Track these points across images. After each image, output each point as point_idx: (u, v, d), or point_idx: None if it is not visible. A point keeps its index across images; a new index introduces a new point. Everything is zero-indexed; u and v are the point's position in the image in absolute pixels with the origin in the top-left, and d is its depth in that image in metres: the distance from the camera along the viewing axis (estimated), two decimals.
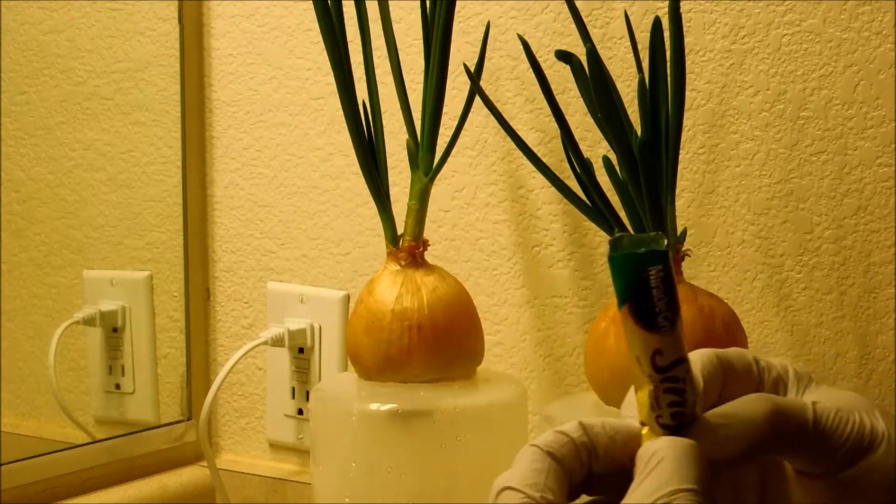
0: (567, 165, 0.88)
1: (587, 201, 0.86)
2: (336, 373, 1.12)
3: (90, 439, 1.14)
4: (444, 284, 0.92)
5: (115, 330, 1.18)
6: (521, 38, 0.88)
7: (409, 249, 0.92)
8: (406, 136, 0.93)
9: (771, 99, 0.94)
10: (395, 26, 0.96)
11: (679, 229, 0.85)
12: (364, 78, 0.94)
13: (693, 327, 0.80)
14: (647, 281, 0.48)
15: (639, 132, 0.83)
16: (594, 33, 0.99)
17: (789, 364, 0.54)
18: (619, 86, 0.89)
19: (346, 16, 0.93)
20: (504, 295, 1.06)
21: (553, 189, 0.91)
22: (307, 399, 1.14)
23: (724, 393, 0.52)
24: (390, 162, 1.00)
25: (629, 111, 0.84)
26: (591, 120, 0.85)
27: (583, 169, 0.85)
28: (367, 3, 0.95)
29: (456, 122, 0.95)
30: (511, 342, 1.06)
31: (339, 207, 1.14)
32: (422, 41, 0.93)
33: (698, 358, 0.51)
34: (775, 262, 0.95)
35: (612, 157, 0.83)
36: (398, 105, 0.94)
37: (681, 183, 0.97)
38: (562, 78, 0.98)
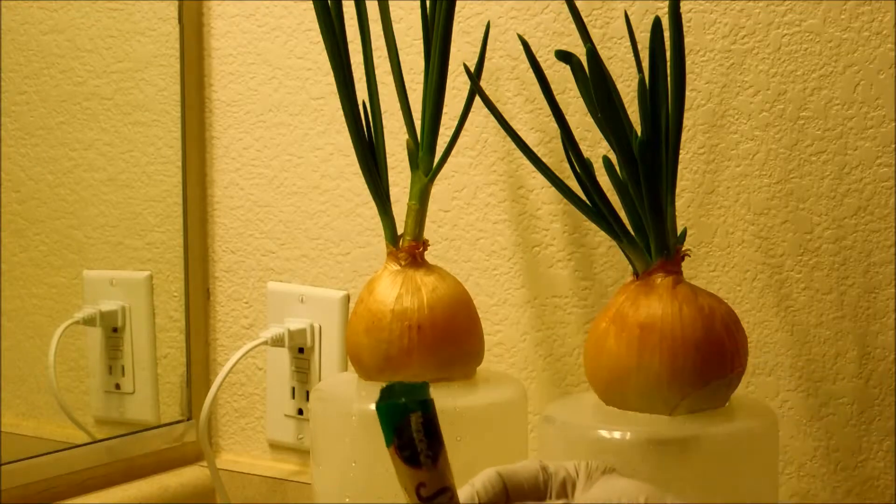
0: (567, 165, 0.88)
1: (587, 201, 0.86)
2: (336, 373, 1.12)
3: (90, 439, 1.14)
4: (444, 284, 0.92)
5: (115, 330, 1.18)
6: (521, 38, 0.88)
7: (409, 249, 0.92)
8: (406, 136, 0.93)
9: (771, 99, 0.94)
10: (395, 26, 0.96)
11: (679, 229, 0.85)
12: (364, 78, 0.94)
13: (693, 327, 0.80)
14: (408, 426, 0.55)
15: (639, 132, 0.83)
16: (594, 33, 0.99)
17: (584, 462, 0.60)
18: (619, 86, 0.89)
19: (346, 16, 0.93)
20: (504, 295, 1.06)
21: (553, 189, 0.91)
22: (307, 399, 1.14)
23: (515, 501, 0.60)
24: (390, 162, 1.00)
25: (629, 111, 0.84)
26: (591, 120, 0.85)
27: (583, 169, 0.85)
28: (367, 3, 0.95)
29: (456, 122, 0.95)
30: (511, 342, 1.06)
31: (339, 207, 1.14)
32: (422, 41, 0.93)
33: (480, 478, 0.59)
34: (775, 262, 0.95)
35: (612, 157, 0.83)
36: (398, 105, 0.94)
37: (681, 183, 0.97)
38: (562, 78, 0.98)
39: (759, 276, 0.96)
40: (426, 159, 0.93)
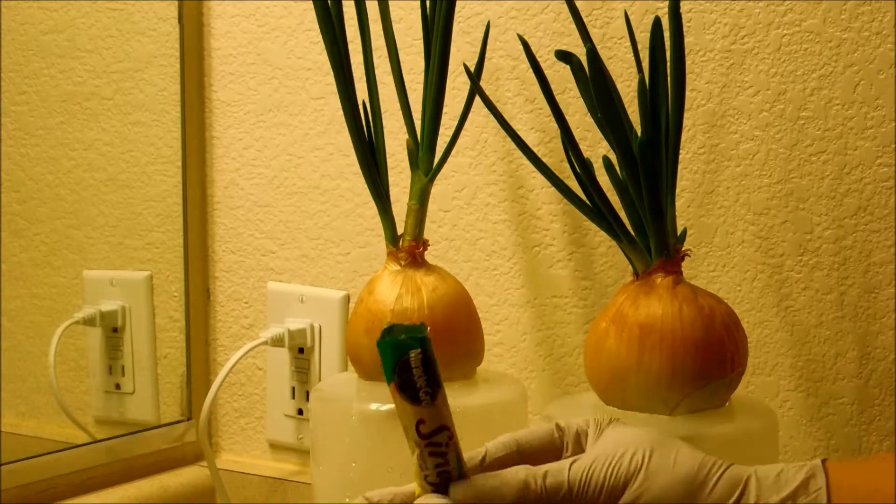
0: (567, 165, 0.88)
1: (587, 201, 0.86)
2: (336, 373, 1.12)
3: (90, 439, 1.14)
4: (444, 284, 0.92)
5: (115, 330, 1.18)
6: (521, 38, 0.88)
7: (409, 249, 0.92)
8: (406, 136, 0.93)
9: (771, 99, 0.94)
10: (395, 26, 0.96)
11: (679, 229, 0.85)
12: (364, 78, 0.94)
13: (693, 327, 0.80)
14: (407, 362, 0.58)
15: (639, 132, 0.83)
16: (594, 33, 0.99)
17: (592, 419, 0.63)
18: (619, 86, 0.89)
19: (346, 16, 0.93)
20: (504, 295, 1.06)
21: (553, 189, 0.91)
22: (307, 399, 1.14)
23: (529, 463, 0.62)
24: (390, 162, 1.00)
25: (629, 111, 0.84)
26: (591, 120, 0.85)
27: (583, 169, 0.85)
28: (367, 3, 0.95)
29: (456, 122, 0.95)
30: (511, 342, 1.06)
31: (339, 207, 1.14)
32: (422, 41, 0.93)
33: (493, 441, 0.62)
34: (775, 262, 0.95)
35: (612, 157, 0.83)
36: (398, 105, 0.94)
37: (681, 183, 0.97)
38: (562, 78, 0.98)
39: (759, 276, 0.96)
40: (426, 159, 0.93)
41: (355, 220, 1.13)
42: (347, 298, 1.13)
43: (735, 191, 0.96)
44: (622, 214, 0.85)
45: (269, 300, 1.17)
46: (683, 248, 0.85)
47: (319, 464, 0.93)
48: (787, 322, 0.95)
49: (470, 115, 0.95)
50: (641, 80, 0.82)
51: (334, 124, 1.13)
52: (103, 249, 1.18)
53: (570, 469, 0.60)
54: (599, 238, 1.01)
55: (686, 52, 0.87)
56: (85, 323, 1.17)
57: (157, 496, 1.13)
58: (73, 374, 1.18)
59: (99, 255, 1.18)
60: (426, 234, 0.94)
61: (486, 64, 0.98)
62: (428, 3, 0.92)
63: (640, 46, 0.87)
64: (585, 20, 0.94)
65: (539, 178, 1.02)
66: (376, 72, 0.94)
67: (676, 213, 0.86)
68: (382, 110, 0.95)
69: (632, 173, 0.82)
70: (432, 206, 0.99)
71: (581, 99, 0.85)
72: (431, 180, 0.93)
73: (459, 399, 0.90)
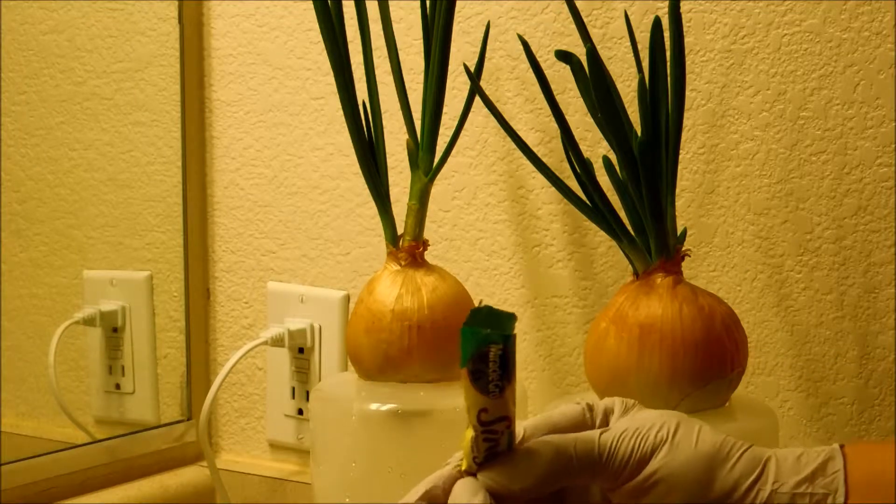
0: (567, 165, 0.88)
1: (587, 201, 0.86)
2: (336, 373, 1.12)
3: (90, 439, 1.14)
4: (444, 284, 0.92)
5: (115, 330, 1.18)
6: (521, 38, 0.88)
7: (409, 249, 0.92)
8: (406, 136, 0.93)
9: (771, 99, 0.94)
10: (395, 26, 0.96)
11: (679, 229, 0.85)
12: (364, 78, 0.94)
13: (693, 327, 0.80)
14: (486, 355, 0.58)
15: (639, 132, 0.83)
16: (594, 33, 0.99)
17: (618, 398, 0.65)
18: (619, 86, 0.89)
19: (346, 16, 0.93)
20: (504, 295, 1.06)
21: (553, 189, 0.91)
22: (307, 399, 1.14)
23: None
24: (390, 162, 1.00)
25: (629, 111, 0.84)
26: (591, 120, 0.85)
27: (583, 169, 0.85)
28: (367, 3, 0.95)
29: (456, 122, 0.95)
30: None
31: (339, 207, 1.14)
32: (422, 41, 0.93)
33: (529, 422, 0.63)
34: (775, 262, 0.95)
35: (612, 157, 0.83)
36: (398, 105, 0.94)
37: (681, 183, 0.97)
38: (562, 78, 0.98)
39: (759, 276, 0.96)
40: (426, 159, 0.93)
41: (355, 220, 1.13)
42: (347, 298, 1.13)
43: (735, 191, 0.96)
44: (622, 214, 0.85)
45: (269, 300, 1.17)
46: (683, 248, 0.85)
47: (319, 464, 0.93)
48: (787, 322, 0.95)
49: (470, 115, 0.95)
50: (641, 80, 0.82)
51: (334, 124, 1.13)
52: (103, 249, 1.18)
53: (599, 438, 0.62)
54: (599, 238, 1.01)
55: (686, 52, 0.87)
56: (85, 323, 1.17)
57: (157, 496, 1.13)
58: (73, 374, 1.18)
59: (99, 255, 1.18)
60: (426, 234, 0.94)
61: (486, 64, 0.98)
62: (428, 3, 0.92)
63: (640, 46, 0.87)
64: (585, 20, 0.94)
65: (539, 178, 1.02)
66: (376, 72, 0.94)
67: (676, 213, 0.86)
68: (382, 110, 0.95)
69: (632, 173, 0.82)
70: (432, 206, 0.99)
71: (581, 99, 0.85)
72: (431, 180, 0.93)
73: (459, 399, 0.90)
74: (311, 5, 0.93)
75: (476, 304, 0.95)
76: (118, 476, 1.13)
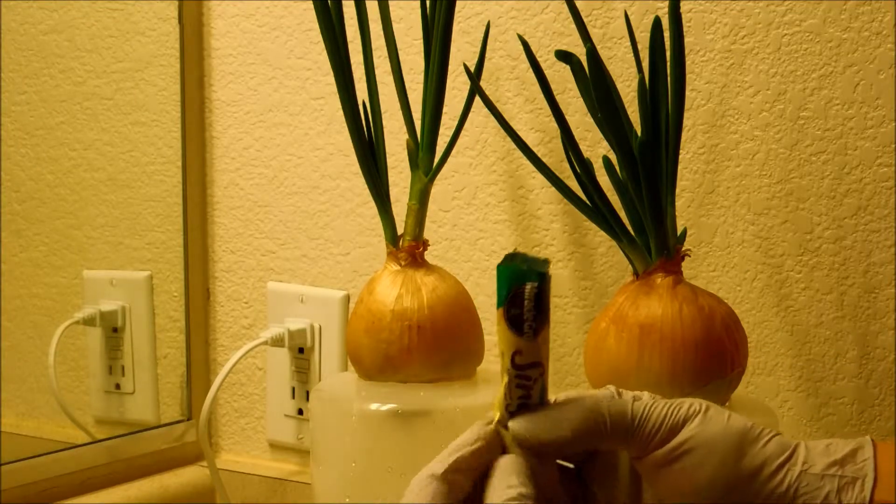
0: (567, 165, 0.88)
1: (587, 201, 0.86)
2: (336, 373, 1.12)
3: (90, 439, 1.14)
4: (444, 284, 0.92)
5: (115, 330, 1.18)
6: (521, 38, 0.88)
7: (409, 249, 0.92)
8: (406, 136, 0.93)
9: (771, 99, 0.94)
10: (395, 26, 0.96)
11: (679, 229, 0.85)
12: (364, 78, 0.94)
13: (693, 327, 0.80)
14: (522, 292, 0.57)
15: (639, 132, 0.83)
16: (594, 33, 0.99)
17: (646, 392, 0.64)
18: (619, 86, 0.89)
19: (346, 16, 0.93)
20: None
21: (553, 189, 0.91)
22: (307, 399, 1.14)
23: None
24: (390, 162, 1.00)
25: (629, 111, 0.84)
26: (591, 120, 0.85)
27: (583, 169, 0.85)
28: (367, 3, 0.95)
29: (456, 122, 0.95)
30: None
31: (339, 207, 1.14)
32: (422, 41, 0.93)
33: (560, 395, 0.62)
34: (775, 262, 0.95)
35: (612, 157, 0.83)
36: (398, 105, 0.94)
37: (681, 183, 0.97)
38: (562, 78, 0.98)
39: (759, 276, 0.96)
40: (426, 159, 0.93)
41: (355, 220, 1.13)
42: (347, 298, 1.13)
43: (735, 191, 0.96)
44: (622, 214, 0.85)
45: (269, 300, 1.17)
46: (683, 248, 0.85)
47: (319, 464, 0.93)
48: (787, 322, 0.95)
49: (470, 115, 0.95)
50: (641, 80, 0.82)
51: (334, 124, 1.13)
52: (103, 249, 1.18)
53: (633, 403, 0.61)
54: (599, 238, 1.01)
55: (686, 52, 0.87)
56: (85, 323, 1.17)
57: (157, 496, 1.13)
58: (73, 374, 1.18)
59: (99, 255, 1.18)
60: (426, 234, 0.94)
61: (486, 64, 0.98)
62: (428, 3, 0.92)
63: (640, 46, 0.87)
64: (585, 20, 0.94)
65: (539, 178, 1.02)
66: (376, 72, 0.94)
67: (676, 213, 0.86)
68: (382, 110, 0.95)
69: (632, 173, 0.82)
70: (432, 206, 0.99)
71: (581, 99, 0.85)
72: (431, 180, 0.93)
73: (460, 399, 0.90)
74: (311, 5, 0.93)
75: (476, 303, 0.95)
76: (118, 476, 1.13)
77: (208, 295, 1.21)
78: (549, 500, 0.60)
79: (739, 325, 0.83)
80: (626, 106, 0.84)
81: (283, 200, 1.17)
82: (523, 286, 0.57)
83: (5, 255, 1.12)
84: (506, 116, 0.91)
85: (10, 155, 1.12)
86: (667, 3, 0.84)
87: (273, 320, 1.15)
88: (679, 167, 0.88)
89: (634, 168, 0.81)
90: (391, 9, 0.96)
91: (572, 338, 1.03)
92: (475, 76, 0.93)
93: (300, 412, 1.15)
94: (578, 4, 0.91)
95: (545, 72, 0.87)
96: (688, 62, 0.93)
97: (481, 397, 0.92)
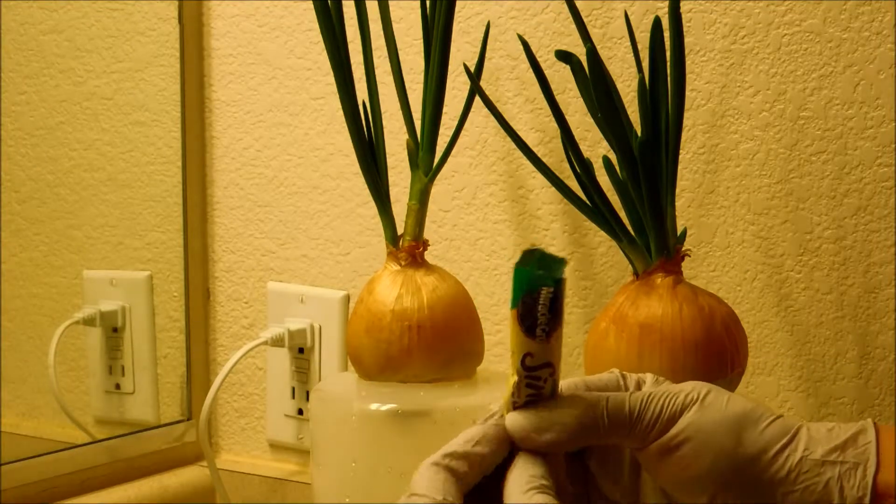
0: (567, 165, 0.88)
1: (587, 201, 0.86)
2: (336, 373, 1.12)
3: (90, 439, 1.14)
4: (444, 284, 0.92)
5: (115, 330, 1.18)
6: (521, 38, 0.88)
7: (409, 249, 0.92)
8: (406, 136, 0.93)
9: (771, 99, 0.94)
10: (395, 26, 0.96)
11: (679, 229, 0.85)
12: (364, 78, 0.94)
13: (693, 327, 0.80)
14: (536, 297, 0.57)
15: (639, 132, 0.83)
16: (594, 33, 0.99)
17: (650, 373, 0.65)
18: (619, 86, 0.89)
19: (346, 16, 0.93)
20: (504, 295, 1.06)
21: (553, 189, 0.91)
22: (307, 399, 1.14)
23: None
24: (390, 162, 1.00)
25: (629, 111, 0.84)
26: (591, 120, 0.85)
27: (583, 169, 0.85)
28: (367, 3, 0.95)
29: (456, 122, 0.95)
30: None
31: (339, 207, 1.14)
32: (422, 41, 0.93)
33: (564, 381, 0.62)
34: (775, 262, 0.95)
35: (612, 157, 0.83)
36: (398, 105, 0.94)
37: (681, 183, 0.97)
38: (562, 78, 0.98)
39: (759, 276, 0.96)
40: (426, 159, 0.93)
41: (355, 220, 1.13)
42: (347, 298, 1.13)
43: (735, 191, 0.96)
44: (622, 214, 0.85)
45: (269, 300, 1.17)
46: (683, 248, 0.85)
47: (319, 464, 0.93)
48: (787, 322, 0.95)
49: (470, 115, 0.95)
50: (641, 80, 0.82)
51: (334, 124, 1.13)
52: (103, 249, 1.18)
53: (630, 396, 0.61)
54: (599, 238, 1.01)
55: (686, 52, 0.87)
56: (85, 323, 1.17)
57: (157, 496, 1.13)
58: (73, 374, 1.18)
59: (99, 255, 1.18)
60: (426, 234, 0.94)
61: (486, 64, 0.98)
62: (428, 3, 0.92)
63: (640, 46, 0.87)
64: (585, 20, 0.94)
65: (539, 178, 1.02)
66: (376, 72, 0.94)
67: (676, 213, 0.86)
68: (382, 110, 0.95)
69: (632, 173, 0.82)
70: (432, 206, 0.98)
71: (581, 99, 0.85)
72: (431, 180, 0.93)
73: (459, 399, 0.90)
74: (311, 5, 0.93)
75: (476, 303, 0.95)
76: (118, 476, 1.13)
77: (208, 295, 1.21)
78: (558, 492, 0.60)
79: (739, 325, 0.83)
80: (626, 106, 0.84)
81: (283, 200, 1.17)
82: (538, 290, 0.57)
83: (5, 255, 1.12)
84: (506, 116, 0.91)
85: (10, 155, 1.12)
86: (667, 3, 0.84)
87: (273, 320, 1.15)
88: (679, 167, 0.88)
89: (634, 168, 0.81)
90: (391, 9, 0.96)
91: (572, 338, 1.03)
92: (475, 76, 0.93)
93: (300, 412, 1.15)
94: (578, 4, 0.91)
95: (545, 72, 0.87)
96: (688, 62, 0.93)
97: (481, 397, 0.92)
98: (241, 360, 1.11)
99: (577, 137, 0.90)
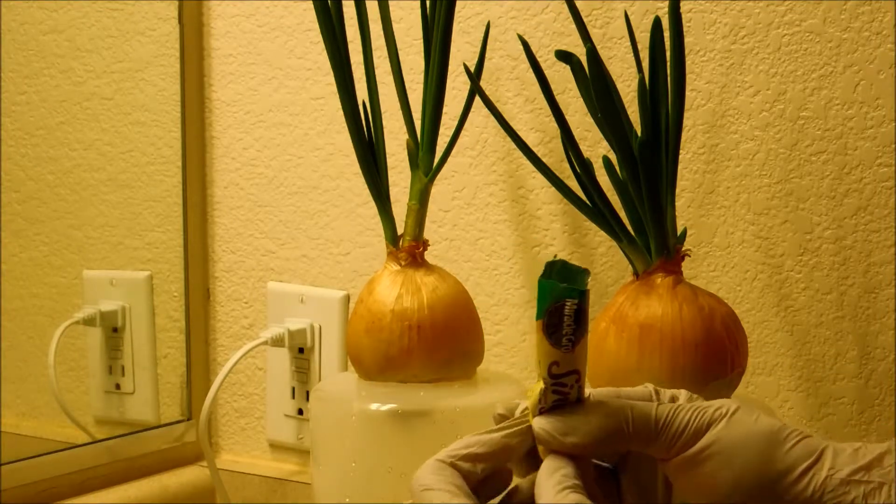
0: (567, 165, 0.88)
1: (587, 201, 0.86)
2: (336, 373, 1.12)
3: (90, 439, 1.14)
4: (444, 284, 0.92)
5: (115, 330, 1.18)
6: (521, 38, 0.88)
7: (409, 249, 0.92)
8: (406, 136, 0.93)
9: (771, 99, 0.94)
10: (395, 26, 0.96)
11: (679, 229, 0.85)
12: (364, 78, 0.94)
13: (693, 327, 0.80)
14: (561, 309, 0.59)
15: (639, 132, 0.83)
16: (594, 33, 0.99)
17: (684, 391, 0.65)
18: (619, 86, 0.89)
19: (346, 16, 0.93)
20: (504, 295, 1.06)
21: (553, 189, 0.91)
22: (307, 399, 1.14)
23: None
24: (390, 162, 1.00)
25: (629, 111, 0.84)
26: (591, 120, 0.85)
27: (583, 169, 0.85)
28: (367, 3, 0.95)
29: (456, 122, 0.95)
30: (511, 342, 1.06)
31: (339, 207, 1.14)
32: (422, 41, 0.93)
33: (596, 390, 0.63)
34: (775, 262, 0.95)
35: (612, 157, 0.83)
36: (398, 105, 0.94)
37: (681, 183, 0.97)
38: (562, 78, 0.98)
39: (759, 276, 0.96)
40: (426, 159, 0.93)
41: (355, 220, 1.13)
42: (347, 298, 1.13)
43: (735, 191, 0.96)
44: (622, 214, 0.85)
45: (269, 300, 1.17)
46: (683, 248, 0.85)
47: (319, 464, 0.93)
48: (787, 322, 0.95)
49: (470, 115, 0.95)
50: (641, 80, 0.82)
51: (334, 124, 1.13)
52: (103, 249, 1.18)
53: (657, 407, 0.62)
54: (599, 238, 1.01)
55: (686, 52, 0.87)
56: (85, 323, 1.17)
57: (157, 496, 1.13)
58: (73, 374, 1.18)
59: (99, 255, 1.18)
60: (426, 234, 0.94)
61: (486, 64, 0.98)
62: (428, 3, 0.92)
63: (640, 46, 0.87)
64: (585, 20, 0.94)
65: (539, 178, 1.02)
66: (376, 72, 0.94)
67: (676, 213, 0.86)
68: (382, 110, 0.95)
69: (632, 173, 0.82)
70: (432, 206, 0.98)
71: (581, 99, 0.85)
72: (431, 180, 0.93)
73: (459, 399, 0.90)
74: (311, 5, 0.93)
75: (476, 303, 0.95)
76: (118, 476, 1.13)
77: (208, 295, 1.21)
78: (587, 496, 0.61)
79: (739, 325, 0.83)
80: (626, 106, 0.84)
81: (283, 200, 1.17)
82: (563, 302, 0.58)
83: (5, 255, 1.12)
84: (506, 116, 0.91)
85: (10, 155, 1.12)
86: (667, 3, 0.84)
87: (273, 320, 1.15)
88: (679, 167, 0.88)
89: (634, 168, 0.81)
90: (391, 9, 0.96)
91: None
92: (475, 76, 0.93)
93: (300, 412, 1.15)
94: (578, 4, 0.91)
95: (545, 72, 0.87)
96: (688, 62, 0.93)
97: (481, 397, 0.92)
98: (241, 360, 1.11)
99: (577, 137, 0.90)
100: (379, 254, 1.09)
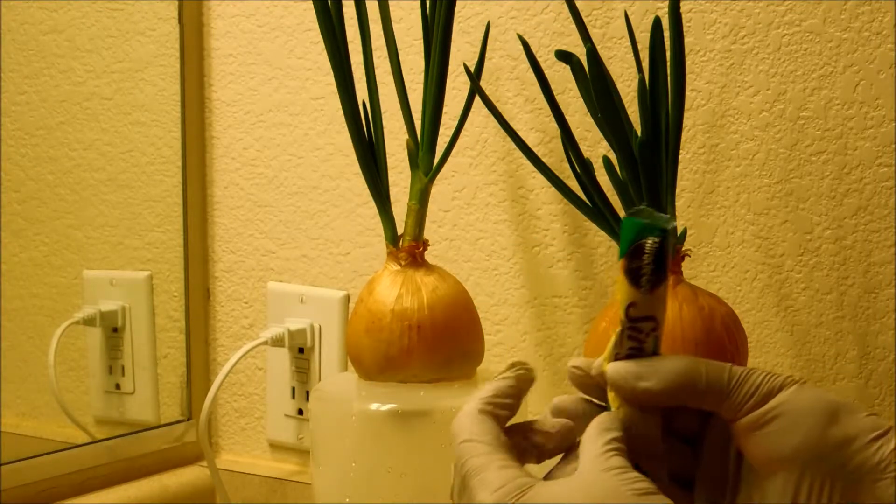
0: (567, 165, 0.88)
1: (587, 201, 0.86)
2: (336, 373, 1.12)
3: (90, 439, 1.14)
4: (444, 284, 0.92)
5: (115, 330, 1.18)
6: (521, 38, 0.88)
7: (409, 249, 0.92)
8: (406, 136, 0.93)
9: (771, 99, 0.94)
10: (395, 26, 0.96)
11: (679, 229, 0.85)
12: (364, 78, 0.94)
13: (693, 327, 0.80)
14: (642, 246, 0.58)
15: (639, 132, 0.83)
16: (594, 33, 0.99)
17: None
18: (619, 86, 0.89)
19: (346, 16, 0.93)
20: (504, 295, 1.06)
21: (553, 189, 0.91)
22: (307, 399, 1.14)
23: None
24: (390, 162, 1.00)
25: (629, 111, 0.84)
26: (591, 120, 0.85)
27: (583, 169, 0.85)
28: (367, 3, 0.95)
29: (456, 122, 0.95)
30: (511, 342, 1.06)
31: (339, 207, 1.14)
32: (422, 41, 0.93)
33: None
34: (775, 262, 0.95)
35: (612, 157, 0.83)
36: (398, 105, 0.94)
37: (681, 183, 0.97)
38: (562, 78, 0.98)
39: (759, 276, 0.96)
40: (426, 159, 0.93)
41: (355, 220, 1.13)
42: (347, 298, 1.13)
43: (735, 191, 0.96)
44: (622, 214, 0.85)
45: (269, 300, 1.17)
46: (683, 248, 0.85)
47: (319, 464, 0.93)
48: (787, 322, 0.95)
49: (470, 115, 0.95)
50: (641, 80, 0.82)
51: (334, 124, 1.13)
52: (103, 249, 1.18)
53: (731, 366, 0.62)
54: (599, 238, 1.01)
55: (686, 52, 0.87)
56: (85, 323, 1.17)
57: (157, 496, 1.13)
58: (73, 374, 1.18)
59: (99, 255, 1.18)
60: (426, 234, 0.94)
61: (486, 64, 0.98)
62: (428, 3, 0.92)
63: (640, 46, 0.87)
64: (585, 20, 0.94)
65: (539, 178, 1.02)
66: (376, 72, 0.94)
67: (676, 213, 0.86)
68: (382, 110, 0.95)
69: (632, 173, 0.82)
70: (432, 206, 0.98)
71: (581, 99, 0.85)
72: (431, 180, 0.93)
73: (459, 399, 0.90)
74: (311, 5, 0.93)
75: (476, 303, 0.95)
76: (118, 476, 1.13)
77: (208, 295, 1.21)
78: (648, 456, 0.61)
79: (739, 325, 0.83)
80: (626, 106, 0.84)
81: (283, 200, 1.17)
82: (645, 240, 0.58)
83: (5, 255, 1.12)
84: (506, 116, 0.91)
85: (10, 155, 1.12)
86: (667, 3, 0.84)
87: (273, 320, 1.15)
88: (679, 167, 0.88)
89: (634, 168, 0.81)
90: (391, 9, 0.96)
91: (572, 338, 1.03)
92: (475, 76, 0.94)
93: (300, 412, 1.15)
94: (578, 4, 0.91)
95: (545, 72, 0.87)
96: (688, 62, 0.93)
97: None
98: (241, 360, 1.11)
99: (577, 137, 0.90)
100: (379, 254, 1.09)
